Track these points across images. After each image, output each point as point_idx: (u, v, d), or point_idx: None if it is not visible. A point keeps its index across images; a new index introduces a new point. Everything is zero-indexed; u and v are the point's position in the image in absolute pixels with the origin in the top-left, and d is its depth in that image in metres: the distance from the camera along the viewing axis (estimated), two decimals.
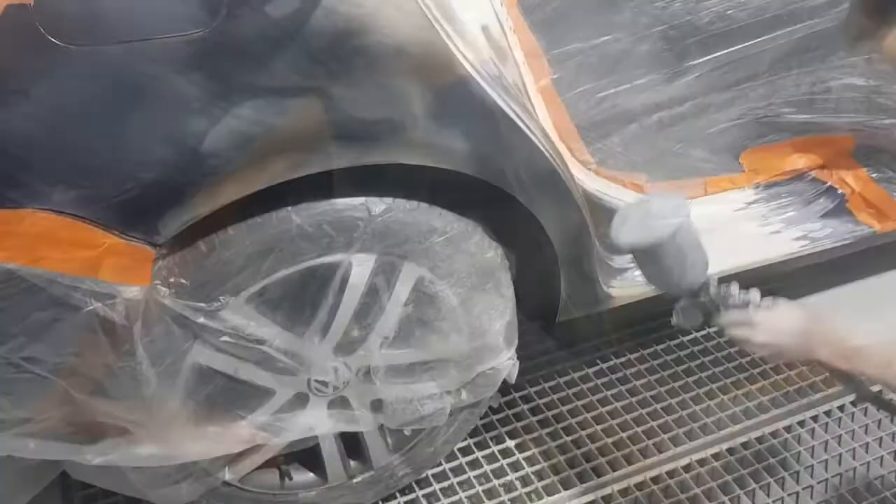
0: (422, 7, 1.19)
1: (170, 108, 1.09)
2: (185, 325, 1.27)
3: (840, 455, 1.86)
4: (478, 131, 1.31)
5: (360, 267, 1.37)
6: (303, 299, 1.36)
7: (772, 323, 1.28)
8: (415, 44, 1.19)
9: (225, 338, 1.32)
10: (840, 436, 1.91)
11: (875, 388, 1.35)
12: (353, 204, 1.31)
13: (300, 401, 1.50)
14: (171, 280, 1.23)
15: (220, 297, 1.28)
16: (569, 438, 1.91)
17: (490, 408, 1.98)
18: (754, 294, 1.32)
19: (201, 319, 1.27)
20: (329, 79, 1.15)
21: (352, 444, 1.63)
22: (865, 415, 1.96)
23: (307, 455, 1.61)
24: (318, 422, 1.52)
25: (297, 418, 1.50)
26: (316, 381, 1.48)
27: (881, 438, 1.89)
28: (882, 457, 1.85)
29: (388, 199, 1.34)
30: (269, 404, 1.46)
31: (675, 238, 1.27)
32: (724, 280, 1.34)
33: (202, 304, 1.26)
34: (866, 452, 1.86)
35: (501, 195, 1.42)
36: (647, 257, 1.31)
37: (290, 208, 1.27)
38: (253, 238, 1.26)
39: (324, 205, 1.29)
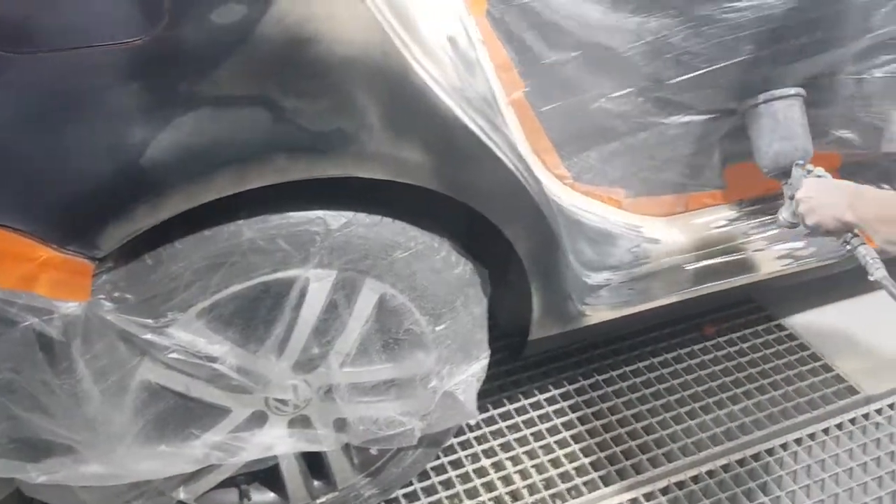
0: (377, 16, 1.15)
1: (108, 118, 1.05)
2: (131, 341, 1.23)
3: (823, 480, 1.80)
4: (438, 145, 1.27)
5: (319, 283, 1.33)
6: (257, 315, 1.32)
7: (815, 183, 1.52)
8: (369, 54, 1.15)
9: (174, 354, 1.27)
10: (823, 460, 1.85)
11: None
12: (309, 218, 1.27)
13: (258, 419, 1.45)
14: (116, 295, 1.19)
15: (168, 313, 1.24)
16: (545, 459, 1.86)
17: (467, 425, 1.94)
18: (819, 170, 1.57)
19: (148, 336, 1.23)
20: (278, 88, 1.11)
21: (315, 464, 1.59)
22: (850, 438, 1.90)
23: (268, 474, 1.56)
24: (277, 441, 1.47)
25: (256, 437, 1.45)
26: (275, 399, 1.43)
27: (866, 464, 1.84)
28: (866, 483, 1.79)
29: (348, 213, 1.30)
30: (225, 423, 1.42)
31: (772, 109, 1.60)
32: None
33: (149, 320, 1.22)
34: (850, 478, 1.81)
35: (467, 210, 1.38)
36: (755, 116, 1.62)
37: (241, 221, 1.23)
38: (202, 252, 1.22)
39: (278, 218, 1.25)
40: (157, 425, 1.34)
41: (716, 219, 1.84)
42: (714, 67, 1.58)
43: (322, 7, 1.09)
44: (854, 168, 1.90)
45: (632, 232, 1.75)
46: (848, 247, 1.44)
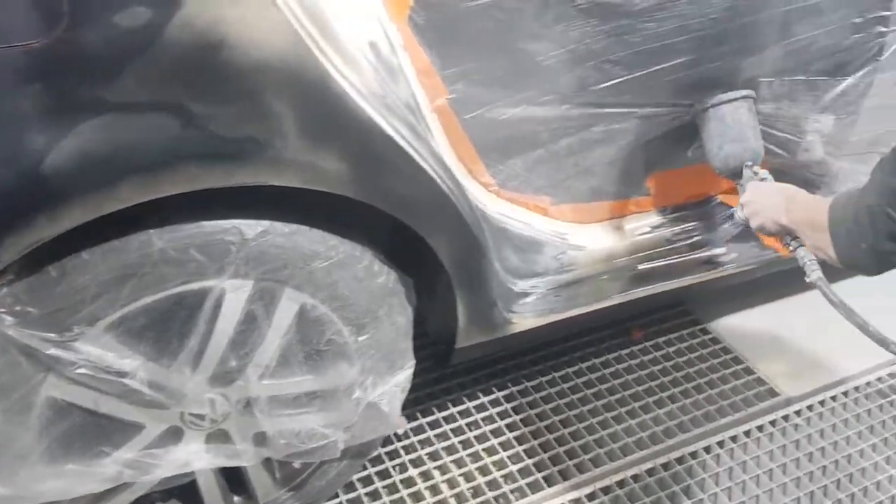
0: (292, 21, 1.12)
1: (4, 124, 1.00)
2: (35, 356, 1.17)
3: (744, 482, 1.83)
4: (357, 153, 1.25)
5: (235, 294, 1.29)
6: (171, 328, 1.28)
7: (756, 187, 1.56)
8: (284, 59, 1.12)
9: (81, 370, 1.22)
10: (745, 462, 1.88)
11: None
12: (223, 227, 1.23)
13: (174, 435, 1.40)
14: (17, 308, 1.14)
15: (75, 327, 1.19)
16: (471, 468, 1.85)
17: (395, 434, 1.92)
18: (763, 172, 1.62)
19: (52, 350, 1.17)
20: (187, 94, 1.07)
21: (235, 479, 1.55)
22: (771, 440, 1.94)
23: (185, 491, 1.51)
24: (194, 457, 1.43)
25: (171, 454, 1.40)
26: (191, 414, 1.39)
27: (785, 465, 1.87)
28: (785, 484, 1.83)
29: (265, 222, 1.27)
30: (138, 439, 1.37)
31: (720, 112, 1.63)
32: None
33: (53, 335, 1.17)
34: (770, 479, 1.84)
35: (388, 219, 1.36)
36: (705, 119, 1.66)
37: (152, 231, 1.18)
38: (110, 263, 1.17)
39: (190, 228, 1.20)
40: (64, 443, 1.29)
41: (640, 225, 1.86)
42: (635, 75, 1.59)
43: (232, 11, 1.06)
44: (773, 175, 1.93)
45: (557, 239, 1.76)
46: (790, 248, 1.48)
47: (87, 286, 1.17)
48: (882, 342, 1.38)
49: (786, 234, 1.47)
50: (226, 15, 1.06)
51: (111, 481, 1.35)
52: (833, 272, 1.38)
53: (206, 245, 1.22)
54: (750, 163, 1.65)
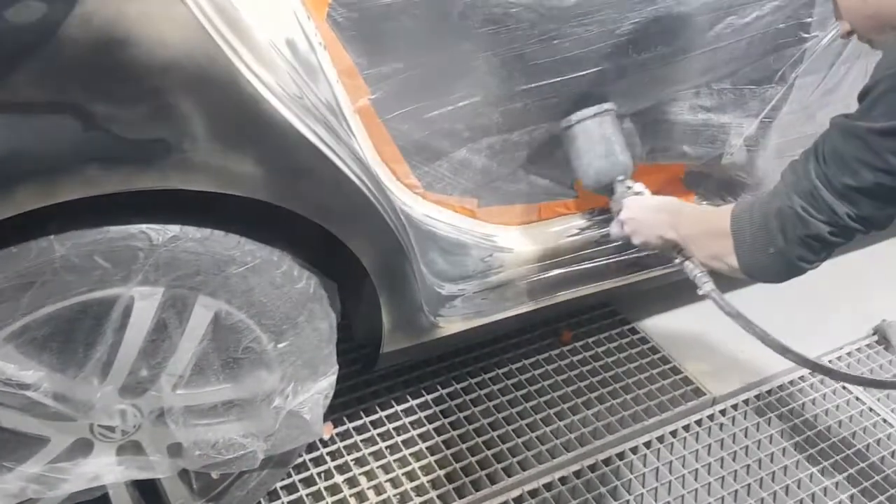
0: (200, 18, 1.07)
1: None
2: None
3: (669, 483, 1.85)
4: (271, 155, 1.21)
5: (144, 301, 1.24)
6: (76, 338, 1.22)
7: (635, 204, 1.54)
8: (191, 58, 1.07)
9: None
10: (671, 462, 1.90)
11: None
12: (130, 232, 1.18)
13: (82, 448, 1.35)
14: None
15: None
16: (400, 472, 1.82)
17: (320, 441, 1.88)
18: (638, 186, 1.60)
19: None
20: (86, 94, 1.02)
21: (150, 491, 1.49)
22: (697, 440, 1.96)
23: None
24: (104, 470, 1.37)
25: (79, 467, 1.34)
26: (100, 425, 1.33)
27: (710, 465, 1.89)
28: (709, 483, 1.85)
29: (175, 227, 1.22)
30: (43, 453, 1.31)
31: (585, 128, 1.59)
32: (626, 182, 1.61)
33: None
34: (695, 480, 1.86)
35: (308, 223, 1.32)
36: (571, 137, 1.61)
37: (52, 237, 1.13)
38: (8, 270, 1.11)
39: (94, 233, 1.15)
40: None
41: (568, 227, 1.85)
42: (558, 79, 1.57)
43: (134, 7, 1.00)
44: (698, 178, 1.96)
45: (485, 241, 1.74)
46: (676, 261, 1.47)
47: None
48: (782, 350, 1.40)
49: (671, 249, 1.47)
50: (127, 11, 1.01)
51: (14, 498, 1.29)
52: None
53: (112, 251, 1.17)
54: (622, 177, 1.62)
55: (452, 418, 1.97)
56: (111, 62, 1.02)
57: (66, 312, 1.19)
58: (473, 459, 1.86)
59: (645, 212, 1.51)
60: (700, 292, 1.45)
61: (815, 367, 1.56)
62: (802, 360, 1.47)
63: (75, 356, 1.23)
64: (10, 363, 1.18)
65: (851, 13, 1.19)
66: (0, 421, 1.23)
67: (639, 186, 1.60)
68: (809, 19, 1.74)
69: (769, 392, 2.11)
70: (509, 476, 1.83)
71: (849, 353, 2.26)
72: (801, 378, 2.16)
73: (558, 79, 1.57)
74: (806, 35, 1.76)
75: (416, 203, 1.63)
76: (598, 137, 1.60)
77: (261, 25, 1.19)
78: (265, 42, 1.19)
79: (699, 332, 2.27)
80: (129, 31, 1.01)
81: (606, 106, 1.61)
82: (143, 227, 1.18)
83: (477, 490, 1.79)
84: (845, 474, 1.88)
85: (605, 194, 1.66)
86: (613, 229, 1.62)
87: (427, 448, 1.89)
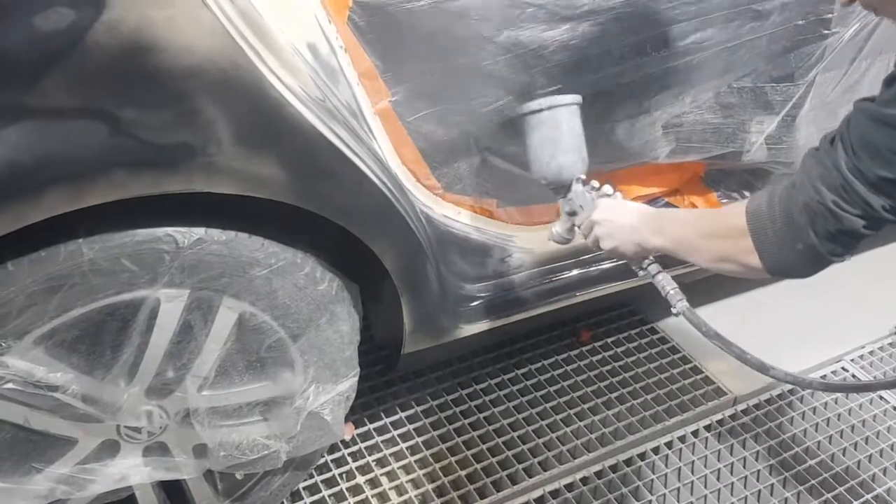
0: (225, 24, 1.08)
1: None
2: None
3: (692, 483, 1.84)
4: (296, 158, 1.22)
5: (171, 304, 1.25)
6: (104, 340, 1.24)
7: (611, 206, 1.41)
8: (216, 63, 1.08)
9: (10, 385, 1.18)
10: (693, 462, 1.89)
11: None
12: (156, 235, 1.19)
13: (109, 449, 1.36)
14: None
15: (2, 341, 1.14)
16: (419, 473, 1.83)
17: (342, 442, 1.89)
18: (606, 187, 1.45)
19: None
20: (113, 100, 1.03)
21: (176, 492, 1.51)
22: (719, 440, 1.96)
23: None
24: (131, 471, 1.39)
25: (107, 468, 1.36)
26: (127, 427, 1.35)
27: (732, 465, 1.89)
28: (732, 483, 1.84)
29: (200, 230, 1.23)
30: (72, 454, 1.32)
31: (555, 117, 1.48)
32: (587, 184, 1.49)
33: None
34: (717, 480, 1.85)
35: (329, 225, 1.33)
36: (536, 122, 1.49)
37: (81, 240, 1.14)
38: (37, 274, 1.13)
39: (121, 236, 1.16)
40: None
41: None
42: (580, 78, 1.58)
43: (160, 13, 1.02)
44: (716, 175, 1.95)
45: (504, 242, 1.74)
46: (642, 273, 1.39)
47: (13, 298, 1.13)
48: (761, 368, 1.34)
49: (641, 260, 1.39)
50: (153, 17, 1.02)
51: (43, 499, 1.30)
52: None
53: (139, 254, 1.18)
54: (581, 176, 1.50)
55: (473, 419, 1.97)
56: (138, 67, 1.03)
57: (94, 315, 1.20)
58: (494, 460, 1.87)
59: (623, 216, 1.37)
60: (674, 311, 1.36)
61: (799, 383, 1.46)
62: (784, 376, 1.38)
63: (103, 358, 1.25)
64: (40, 366, 1.19)
65: None
66: (30, 423, 1.24)
67: (607, 188, 1.46)
68: (830, 15, 1.73)
69: (791, 391, 2.09)
70: (530, 476, 1.83)
71: (871, 353, 2.24)
72: (824, 377, 2.14)
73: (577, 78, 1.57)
74: (826, 31, 1.75)
75: (435, 204, 1.63)
76: (566, 129, 1.49)
77: (283, 29, 1.20)
78: (288, 46, 1.20)
79: (719, 331, 2.26)
80: (155, 37, 1.03)
81: (578, 98, 1.51)
82: (169, 229, 1.20)
83: (498, 490, 1.79)
84: (869, 473, 1.87)
85: (558, 192, 1.54)
86: (556, 229, 1.54)
87: (448, 448, 1.90)
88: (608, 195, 1.45)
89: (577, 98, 1.52)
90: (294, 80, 1.19)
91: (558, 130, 1.49)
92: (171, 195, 1.15)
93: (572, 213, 1.51)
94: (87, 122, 1.03)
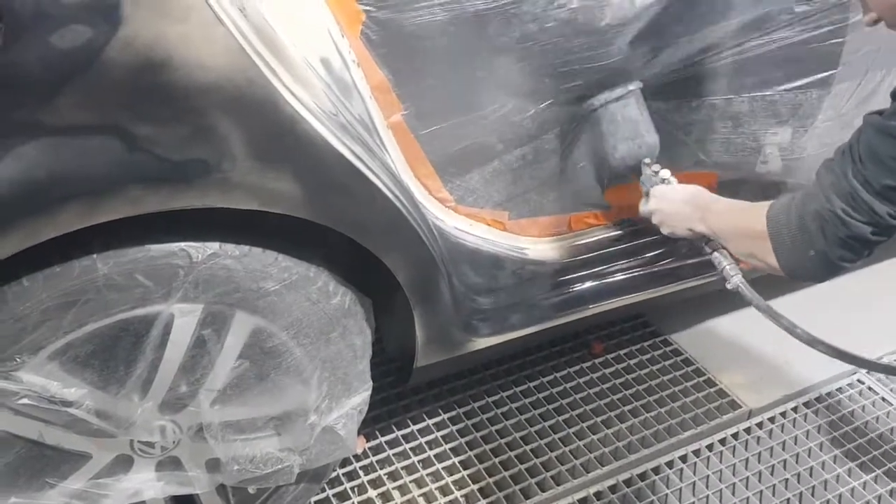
0: (239, 40, 1.09)
1: None
2: None
3: (707, 497, 1.83)
4: (310, 173, 1.22)
5: (184, 318, 1.25)
6: (117, 355, 1.24)
7: (663, 193, 1.52)
8: (231, 79, 1.09)
9: (24, 400, 1.18)
10: (707, 476, 1.88)
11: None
12: (170, 250, 1.19)
13: (123, 464, 1.36)
14: None
15: (16, 356, 1.15)
16: (431, 487, 1.82)
17: (353, 455, 1.88)
18: (664, 172, 1.57)
19: None
20: (129, 116, 1.04)
21: None
22: (734, 454, 1.94)
23: None
24: (145, 486, 1.39)
25: (120, 483, 1.36)
26: (140, 441, 1.35)
27: (747, 479, 1.87)
28: (748, 498, 1.82)
29: (214, 245, 1.23)
30: (85, 469, 1.32)
31: (622, 105, 1.56)
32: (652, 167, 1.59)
33: None
34: (733, 494, 1.84)
35: (342, 239, 1.33)
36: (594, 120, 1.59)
37: (95, 256, 1.14)
38: (52, 289, 1.13)
39: (135, 251, 1.17)
40: (7, 475, 1.25)
41: (599, 239, 1.84)
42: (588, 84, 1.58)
43: (175, 29, 1.02)
44: (731, 185, 1.94)
45: (516, 254, 1.74)
46: (706, 251, 1.47)
47: (28, 313, 1.13)
48: (811, 342, 1.38)
49: (701, 240, 1.47)
50: (168, 33, 1.02)
51: None
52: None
53: (153, 269, 1.19)
54: (648, 160, 1.61)
55: (485, 432, 1.97)
56: (153, 84, 1.04)
57: (108, 330, 1.21)
58: (507, 474, 1.86)
59: (672, 204, 1.50)
60: (728, 286, 1.43)
61: (847, 358, 1.49)
62: (835, 352, 1.41)
63: (117, 373, 1.25)
64: (55, 381, 1.20)
65: (880, 5, 1.18)
66: (44, 438, 1.25)
67: (665, 173, 1.57)
68: (845, 23, 1.72)
69: (806, 404, 2.08)
70: (543, 491, 1.82)
71: None
72: (839, 389, 2.13)
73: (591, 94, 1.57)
74: (841, 39, 1.74)
75: (447, 217, 1.63)
76: (621, 119, 1.58)
77: (296, 44, 1.20)
78: (301, 61, 1.21)
79: (733, 344, 2.25)
80: (170, 54, 1.03)
81: (631, 86, 1.58)
82: (184, 244, 1.20)
83: None
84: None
85: (631, 176, 1.65)
86: (643, 208, 1.62)
87: (460, 462, 1.89)
88: (664, 180, 1.55)
89: (629, 87, 1.57)
90: (308, 95, 1.19)
91: (614, 123, 1.59)
92: (185, 210, 1.15)
93: (647, 195, 1.59)
94: (103, 139, 1.03)
